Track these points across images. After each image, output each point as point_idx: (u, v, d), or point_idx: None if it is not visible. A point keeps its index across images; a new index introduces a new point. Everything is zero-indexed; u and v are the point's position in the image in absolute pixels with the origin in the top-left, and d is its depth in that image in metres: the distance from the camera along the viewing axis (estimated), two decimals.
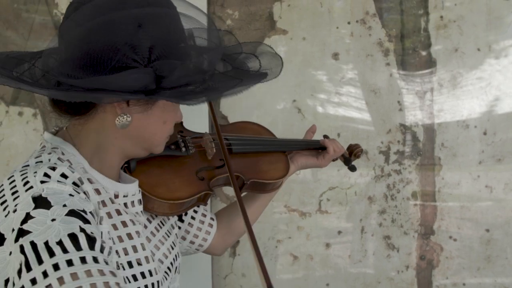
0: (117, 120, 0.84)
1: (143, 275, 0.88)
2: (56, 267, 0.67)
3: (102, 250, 0.74)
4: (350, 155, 1.44)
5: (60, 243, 0.69)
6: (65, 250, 0.69)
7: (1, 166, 2.01)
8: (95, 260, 0.70)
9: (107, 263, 0.73)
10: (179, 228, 1.19)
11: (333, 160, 1.39)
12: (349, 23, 1.90)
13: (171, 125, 0.94)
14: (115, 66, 0.77)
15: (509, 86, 1.85)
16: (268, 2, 1.92)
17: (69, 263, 0.68)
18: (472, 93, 1.87)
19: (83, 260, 0.69)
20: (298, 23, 1.92)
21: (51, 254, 0.68)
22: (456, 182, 1.88)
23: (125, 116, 0.84)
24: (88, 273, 0.68)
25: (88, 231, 0.73)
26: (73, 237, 0.70)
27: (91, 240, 0.73)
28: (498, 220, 1.86)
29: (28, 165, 0.82)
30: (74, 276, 0.66)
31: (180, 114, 0.97)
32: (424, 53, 1.88)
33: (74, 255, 0.69)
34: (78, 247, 0.70)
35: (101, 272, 0.69)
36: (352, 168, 1.39)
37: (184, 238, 1.21)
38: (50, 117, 2.02)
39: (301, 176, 1.92)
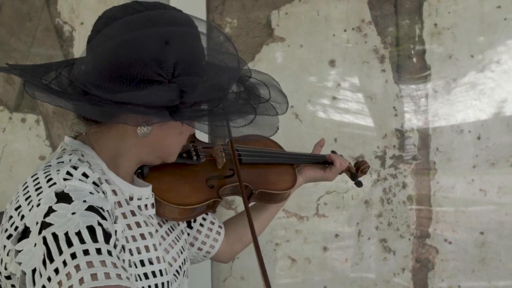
0: (139, 129, 0.89)
1: (154, 274, 0.92)
2: (73, 256, 0.71)
3: (115, 246, 0.79)
4: (357, 171, 1.47)
5: (78, 233, 0.74)
6: (82, 241, 0.73)
7: (5, 171, 2.04)
8: (109, 253, 0.75)
9: (119, 259, 0.77)
10: (188, 234, 1.23)
11: (340, 173, 1.43)
12: (345, 30, 1.94)
13: (186, 136, 0.99)
14: (141, 79, 0.82)
15: (502, 91, 1.89)
16: (266, 10, 1.96)
17: (86, 252, 0.72)
18: (466, 99, 1.90)
19: (98, 251, 0.73)
20: (295, 31, 1.96)
21: (69, 244, 0.72)
22: (451, 186, 1.92)
23: (146, 126, 0.89)
24: (103, 263, 0.72)
25: (105, 227, 0.78)
26: (90, 229, 0.75)
27: (107, 235, 0.77)
28: (492, 223, 1.89)
29: (50, 165, 0.87)
30: (90, 264, 0.71)
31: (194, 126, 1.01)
32: (418, 59, 1.92)
33: (90, 246, 0.73)
34: (94, 239, 0.74)
35: (114, 265, 0.74)
36: (359, 184, 1.41)
37: (192, 245, 1.24)
38: (53, 123, 2.06)
39: None
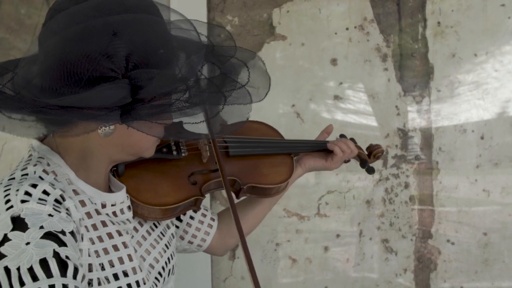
0: (100, 130, 0.81)
1: (129, 286, 0.87)
2: None
3: (75, 274, 0.74)
4: (369, 156, 1.34)
5: (30, 269, 0.70)
6: (35, 278, 0.69)
7: (4, 169, 2.03)
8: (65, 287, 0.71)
9: None
10: (177, 227, 1.17)
11: (346, 162, 1.30)
12: (347, 29, 1.92)
13: (159, 128, 0.88)
14: (92, 76, 0.74)
15: (506, 91, 1.87)
16: (267, 8, 1.95)
17: None
18: (469, 98, 1.89)
19: None
20: (297, 29, 1.94)
21: (22, 283, 0.69)
22: (454, 186, 1.90)
23: (107, 125, 0.81)
24: None
25: (62, 255, 0.73)
26: (44, 263, 0.71)
27: (63, 266, 0.73)
28: (495, 223, 1.88)
29: (14, 178, 0.82)
30: None
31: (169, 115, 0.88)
32: (421, 58, 1.90)
33: (43, 283, 0.69)
34: (48, 274, 0.70)
35: None
36: (370, 170, 1.29)
37: (182, 238, 1.19)
38: None
39: (301, 179, 1.93)
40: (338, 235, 1.96)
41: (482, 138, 1.88)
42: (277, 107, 1.95)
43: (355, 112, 1.94)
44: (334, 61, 1.94)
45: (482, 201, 1.89)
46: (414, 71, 1.91)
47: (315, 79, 1.95)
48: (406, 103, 1.92)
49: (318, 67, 1.94)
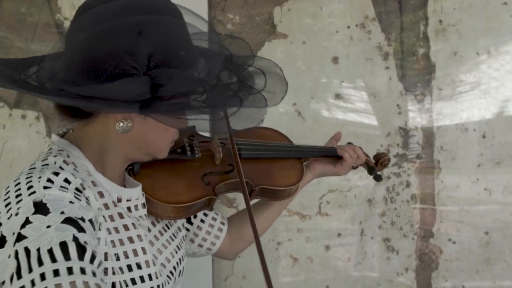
0: (117, 125, 0.85)
1: (142, 279, 0.89)
2: (42, 276, 0.69)
3: (92, 260, 0.76)
4: (376, 164, 1.38)
5: (50, 251, 0.71)
6: (53, 259, 0.71)
7: (5, 168, 2.03)
8: (82, 271, 0.72)
9: (94, 275, 0.74)
10: (188, 230, 1.19)
11: (354, 168, 1.34)
12: (348, 27, 1.92)
13: (174, 132, 0.94)
14: (114, 72, 0.78)
15: (508, 90, 1.86)
16: (268, 6, 1.94)
17: (56, 273, 0.70)
18: (471, 97, 1.88)
19: (69, 270, 0.71)
20: (298, 27, 1.93)
21: (40, 262, 0.70)
22: (455, 185, 1.90)
23: (125, 122, 0.85)
24: (73, 284, 0.70)
25: (81, 240, 0.75)
26: (63, 245, 0.72)
27: (82, 250, 0.74)
28: (497, 222, 1.87)
29: (34, 168, 0.84)
30: (59, 286, 0.69)
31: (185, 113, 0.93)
32: (423, 56, 1.90)
33: (61, 265, 0.71)
34: (67, 257, 0.72)
35: (86, 284, 0.71)
36: (378, 178, 1.33)
37: (192, 241, 1.21)
38: (53, 120, 2.05)
39: None
40: (339, 234, 1.95)
41: (483, 137, 1.88)
42: (278, 106, 1.94)
43: (356, 111, 1.94)
44: (335, 60, 1.93)
45: (484, 200, 1.88)
46: (416, 69, 1.90)
47: (316, 78, 1.94)
48: (408, 101, 1.91)
49: (319, 66, 1.94)
